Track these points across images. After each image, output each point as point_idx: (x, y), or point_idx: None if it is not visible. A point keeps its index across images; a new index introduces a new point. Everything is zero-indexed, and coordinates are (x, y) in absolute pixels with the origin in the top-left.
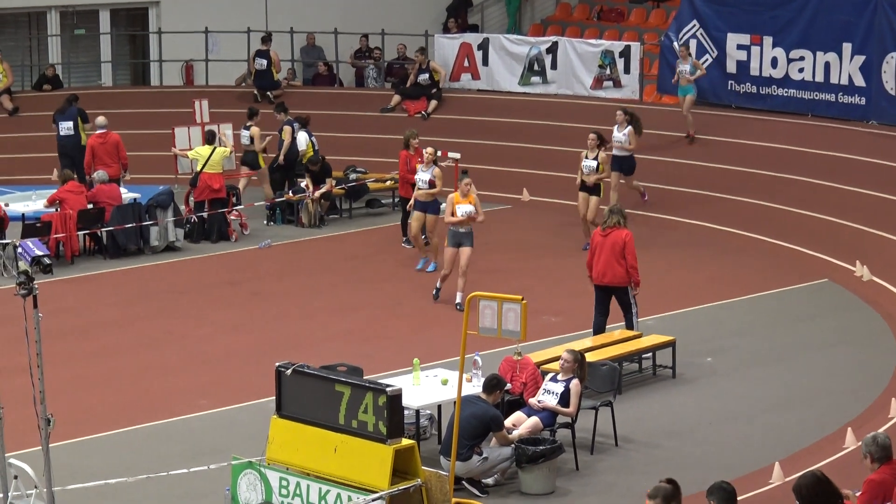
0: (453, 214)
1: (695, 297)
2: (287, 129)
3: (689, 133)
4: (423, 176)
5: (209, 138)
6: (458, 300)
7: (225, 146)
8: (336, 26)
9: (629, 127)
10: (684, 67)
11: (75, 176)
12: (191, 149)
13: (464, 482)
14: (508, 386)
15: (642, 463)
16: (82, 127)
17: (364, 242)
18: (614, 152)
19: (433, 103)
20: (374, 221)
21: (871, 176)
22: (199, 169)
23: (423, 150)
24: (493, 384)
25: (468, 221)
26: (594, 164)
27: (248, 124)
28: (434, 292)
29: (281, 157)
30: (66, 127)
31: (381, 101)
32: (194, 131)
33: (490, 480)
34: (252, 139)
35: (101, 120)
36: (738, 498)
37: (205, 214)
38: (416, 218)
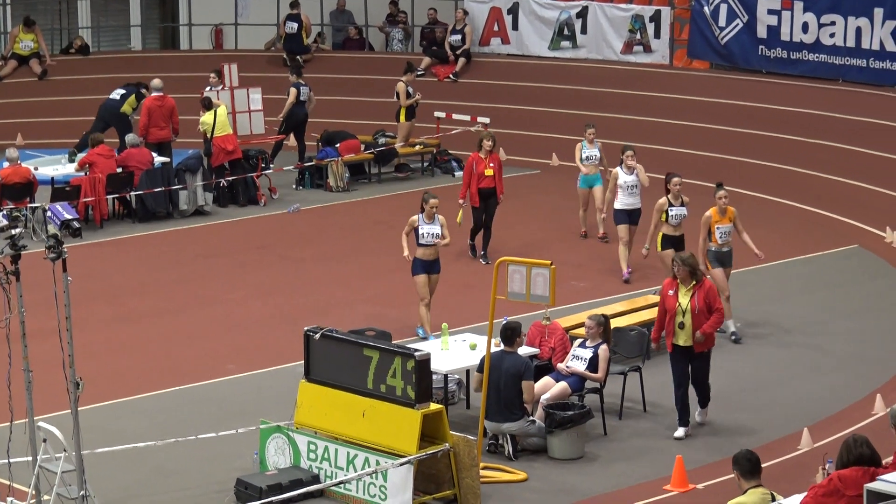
0: (711, 236)
1: None
2: (292, 90)
3: (602, 233)
4: (430, 229)
5: (206, 104)
6: (731, 329)
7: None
8: None
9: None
10: (592, 152)
11: (104, 140)
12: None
13: (507, 438)
14: (536, 351)
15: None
16: (130, 102)
17: (392, 207)
18: (623, 202)
19: (461, 61)
20: (402, 186)
21: None
22: (209, 136)
23: (427, 202)
24: (509, 334)
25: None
26: (684, 210)
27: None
28: (733, 337)
29: (280, 116)
30: (117, 92)
31: None
32: (223, 95)
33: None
34: (398, 94)
35: (157, 83)
36: (767, 464)
37: (230, 179)
38: (422, 283)
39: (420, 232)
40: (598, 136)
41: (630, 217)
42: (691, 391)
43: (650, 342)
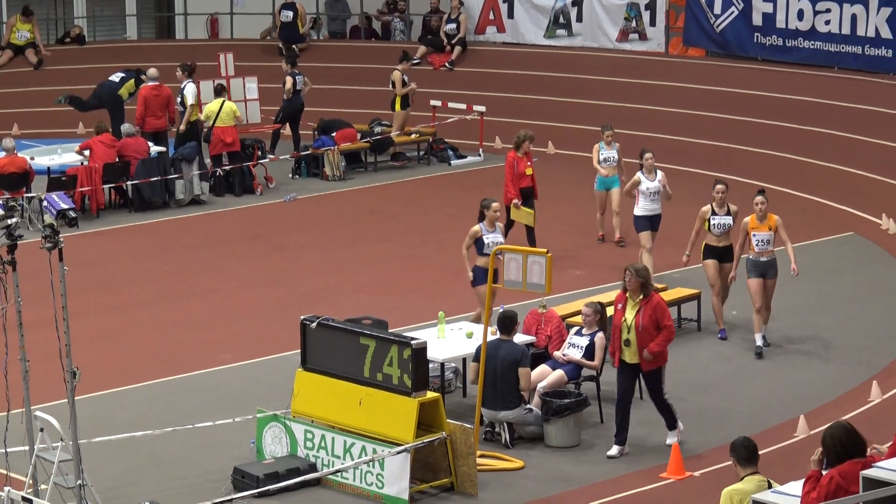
0: (747, 243)
1: None
2: (289, 79)
3: (619, 237)
4: (495, 238)
5: (218, 91)
6: (758, 342)
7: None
8: None
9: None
10: (609, 154)
11: (109, 129)
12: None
13: (503, 426)
14: (533, 339)
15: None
16: (129, 86)
17: (389, 196)
18: (644, 207)
19: (457, 50)
20: (398, 175)
21: None
22: (210, 124)
23: (489, 208)
24: (507, 323)
25: (769, 252)
26: (729, 219)
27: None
28: (757, 350)
29: (284, 96)
30: (117, 75)
31: None
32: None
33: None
34: (393, 83)
35: (153, 72)
36: (764, 451)
37: (227, 168)
38: (477, 292)
39: (485, 241)
40: (595, 123)
41: (652, 223)
42: (655, 415)
43: None
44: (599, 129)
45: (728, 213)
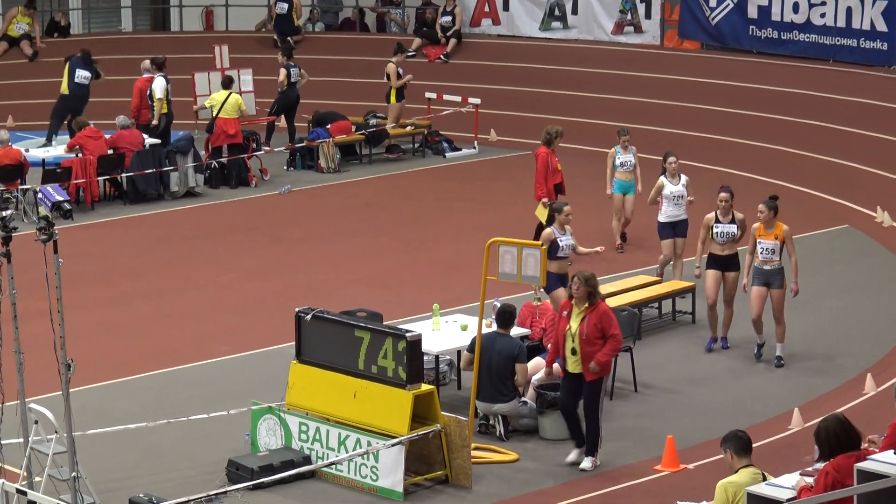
0: (754, 250)
1: None
2: (283, 71)
3: (619, 244)
4: (568, 241)
5: (226, 83)
6: (777, 352)
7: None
8: None
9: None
10: (626, 158)
11: (90, 123)
12: (209, 95)
13: (498, 418)
14: (527, 331)
15: (661, 409)
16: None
17: (384, 188)
18: (667, 213)
19: (452, 42)
20: (393, 167)
21: (892, 121)
22: (214, 115)
23: (561, 212)
24: (506, 318)
25: (773, 261)
26: (733, 228)
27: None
28: (756, 351)
29: (279, 89)
30: (83, 76)
31: None
32: (214, 77)
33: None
34: (388, 75)
35: (147, 64)
36: (758, 444)
37: (224, 160)
38: (553, 298)
39: (560, 245)
40: (592, 116)
41: (675, 230)
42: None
43: (641, 323)
44: (617, 133)
45: (732, 222)
